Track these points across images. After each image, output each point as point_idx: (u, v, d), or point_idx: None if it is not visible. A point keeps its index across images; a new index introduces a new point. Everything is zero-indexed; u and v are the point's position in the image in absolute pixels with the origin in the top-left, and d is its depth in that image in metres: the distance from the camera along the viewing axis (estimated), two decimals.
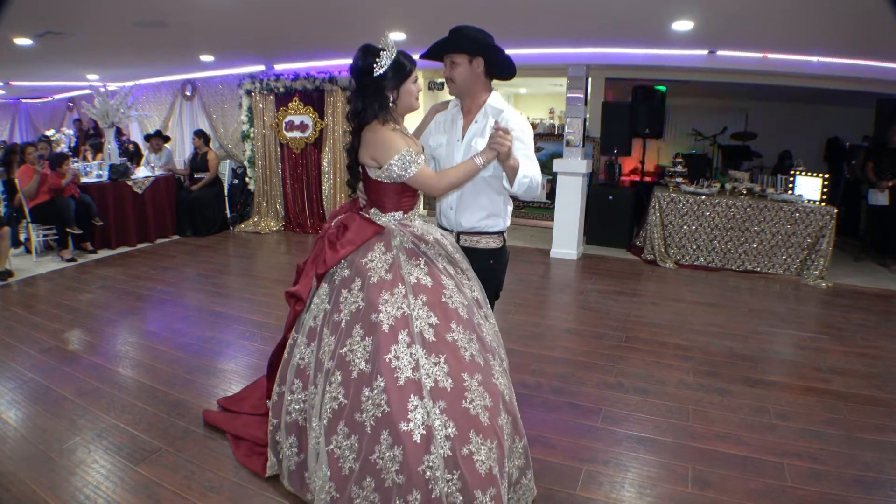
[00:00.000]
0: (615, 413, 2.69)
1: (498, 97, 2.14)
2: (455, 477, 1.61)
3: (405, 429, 1.64)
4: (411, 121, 2.19)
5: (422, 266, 1.88)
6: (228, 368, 3.11)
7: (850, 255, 5.99)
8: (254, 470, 2.16)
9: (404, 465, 1.62)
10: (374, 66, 1.83)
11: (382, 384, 1.70)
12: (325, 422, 1.79)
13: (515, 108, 2.16)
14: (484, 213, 2.13)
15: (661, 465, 2.28)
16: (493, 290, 2.24)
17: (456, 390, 1.70)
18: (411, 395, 1.68)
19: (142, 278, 4.89)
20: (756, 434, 2.51)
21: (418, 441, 1.63)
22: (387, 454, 1.66)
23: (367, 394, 1.72)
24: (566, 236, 5.82)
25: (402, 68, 1.87)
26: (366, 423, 1.70)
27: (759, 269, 5.30)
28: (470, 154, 2.00)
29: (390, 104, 1.90)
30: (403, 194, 1.98)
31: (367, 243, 1.93)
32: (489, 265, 2.18)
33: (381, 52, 1.84)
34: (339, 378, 1.78)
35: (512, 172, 1.91)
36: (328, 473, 1.74)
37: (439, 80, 6.21)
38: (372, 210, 2.03)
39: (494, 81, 2.16)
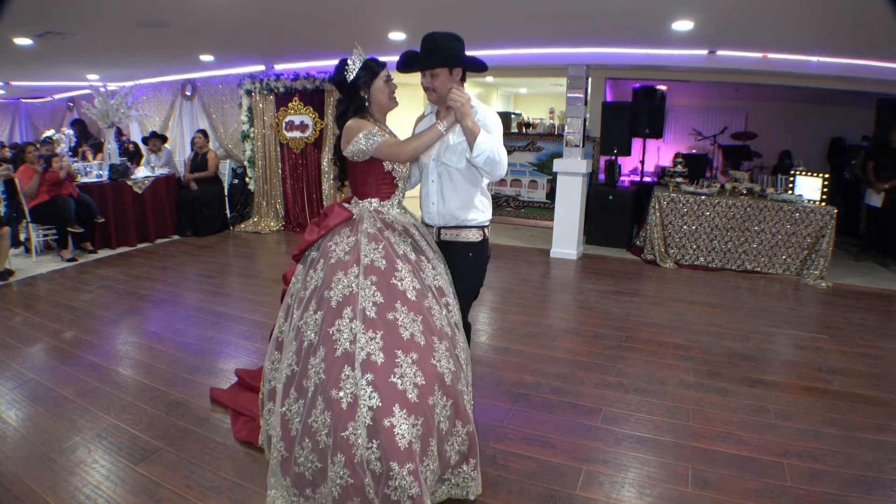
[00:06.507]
0: (615, 413, 2.69)
1: (471, 96, 2.18)
2: (374, 445, 1.71)
3: (335, 396, 1.76)
4: (403, 124, 2.29)
5: (380, 250, 2.00)
6: (228, 368, 3.10)
7: (850, 255, 5.99)
8: (248, 440, 2.35)
9: (332, 429, 1.75)
10: (346, 72, 2.06)
11: (323, 353, 1.85)
12: (281, 386, 1.96)
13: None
14: (461, 203, 2.20)
15: (661, 465, 2.28)
16: (471, 284, 2.28)
17: (387, 365, 1.80)
18: (345, 366, 1.80)
19: (142, 278, 4.90)
20: (756, 434, 2.52)
21: (345, 408, 1.75)
22: (319, 418, 1.79)
23: (312, 362, 1.87)
24: (566, 236, 5.82)
25: (370, 69, 2.08)
26: (308, 389, 1.85)
27: (759, 269, 5.30)
28: (447, 147, 2.13)
29: (366, 104, 2.10)
30: (381, 181, 2.13)
31: (337, 228, 2.10)
32: (468, 258, 2.24)
33: (348, 60, 2.07)
34: (294, 347, 1.95)
35: (471, 136, 2.01)
36: (280, 433, 1.90)
37: None
38: (353, 199, 2.19)
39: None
